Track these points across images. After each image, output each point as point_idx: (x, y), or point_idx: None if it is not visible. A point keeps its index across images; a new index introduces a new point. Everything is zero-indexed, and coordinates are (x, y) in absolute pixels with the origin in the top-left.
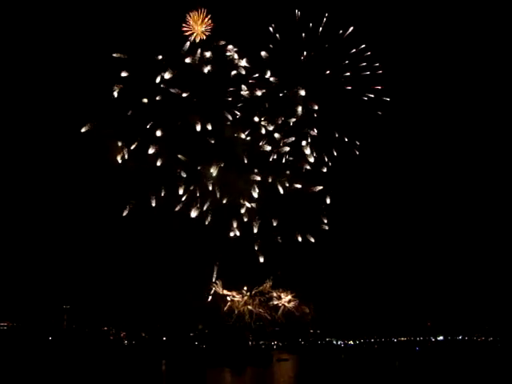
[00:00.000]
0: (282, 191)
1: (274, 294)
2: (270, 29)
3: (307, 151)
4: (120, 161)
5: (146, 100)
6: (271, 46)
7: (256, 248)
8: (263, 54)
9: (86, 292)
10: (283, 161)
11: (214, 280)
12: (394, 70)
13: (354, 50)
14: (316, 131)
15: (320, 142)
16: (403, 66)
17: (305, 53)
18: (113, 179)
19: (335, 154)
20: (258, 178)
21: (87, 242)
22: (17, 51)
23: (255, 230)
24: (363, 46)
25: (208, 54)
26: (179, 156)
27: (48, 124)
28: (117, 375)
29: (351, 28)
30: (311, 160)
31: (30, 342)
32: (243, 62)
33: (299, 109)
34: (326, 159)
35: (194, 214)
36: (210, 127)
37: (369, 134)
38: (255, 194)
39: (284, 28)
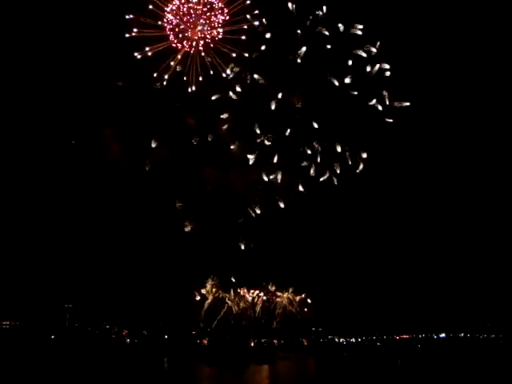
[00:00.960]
0: (282, 205)
1: (274, 292)
2: (257, 23)
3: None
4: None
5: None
6: (263, 47)
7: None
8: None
9: (88, 291)
10: (279, 178)
11: (213, 280)
12: (405, 72)
13: (359, 50)
14: (316, 145)
15: (321, 155)
16: (416, 66)
17: (303, 50)
18: (114, 181)
19: (338, 170)
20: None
21: (89, 241)
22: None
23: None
24: (373, 47)
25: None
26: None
27: (48, 127)
28: (119, 373)
29: (360, 27)
30: (311, 172)
31: (32, 340)
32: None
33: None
34: (328, 174)
35: (187, 228)
36: (210, 139)
37: (377, 146)
38: (258, 210)
39: (276, 24)
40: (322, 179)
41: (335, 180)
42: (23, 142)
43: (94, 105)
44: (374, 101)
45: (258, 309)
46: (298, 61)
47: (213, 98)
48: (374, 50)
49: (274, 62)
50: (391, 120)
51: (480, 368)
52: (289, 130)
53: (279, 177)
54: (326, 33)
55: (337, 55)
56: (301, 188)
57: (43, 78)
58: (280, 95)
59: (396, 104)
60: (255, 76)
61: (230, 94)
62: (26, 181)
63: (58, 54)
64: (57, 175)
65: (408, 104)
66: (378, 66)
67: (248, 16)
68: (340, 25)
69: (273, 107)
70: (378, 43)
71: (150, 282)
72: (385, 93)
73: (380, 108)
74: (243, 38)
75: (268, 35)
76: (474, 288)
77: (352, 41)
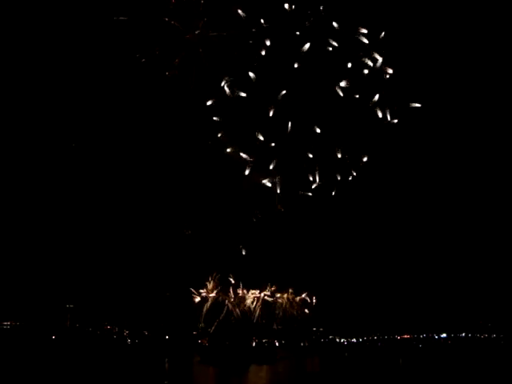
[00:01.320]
0: (282, 209)
1: (274, 293)
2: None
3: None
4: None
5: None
6: (263, 52)
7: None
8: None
9: (89, 291)
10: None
11: (213, 281)
12: (407, 73)
13: (360, 52)
14: (316, 150)
15: (322, 160)
16: (419, 68)
17: (305, 48)
18: (115, 181)
19: (338, 178)
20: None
21: (90, 240)
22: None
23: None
24: (375, 51)
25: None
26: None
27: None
28: (120, 374)
29: (364, 31)
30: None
31: (33, 341)
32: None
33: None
34: (328, 177)
35: (188, 231)
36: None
37: (379, 149)
38: (259, 214)
39: (272, 26)
40: (319, 183)
41: (335, 184)
42: (24, 143)
43: (94, 107)
44: (376, 97)
45: (258, 309)
46: (296, 65)
47: (210, 102)
48: (377, 55)
49: (274, 65)
50: (396, 120)
51: (481, 368)
52: (288, 132)
53: (278, 181)
54: (328, 37)
55: (337, 58)
56: (301, 192)
57: (43, 79)
58: (280, 96)
59: (410, 105)
60: (253, 76)
61: (230, 95)
62: (26, 181)
63: (57, 56)
64: (57, 176)
65: (419, 105)
66: (379, 64)
67: (240, 11)
68: (340, 26)
69: (271, 112)
70: (381, 35)
71: (151, 282)
72: (386, 95)
73: (380, 113)
74: (250, 41)
75: (267, 38)
76: (475, 288)
77: (353, 43)
